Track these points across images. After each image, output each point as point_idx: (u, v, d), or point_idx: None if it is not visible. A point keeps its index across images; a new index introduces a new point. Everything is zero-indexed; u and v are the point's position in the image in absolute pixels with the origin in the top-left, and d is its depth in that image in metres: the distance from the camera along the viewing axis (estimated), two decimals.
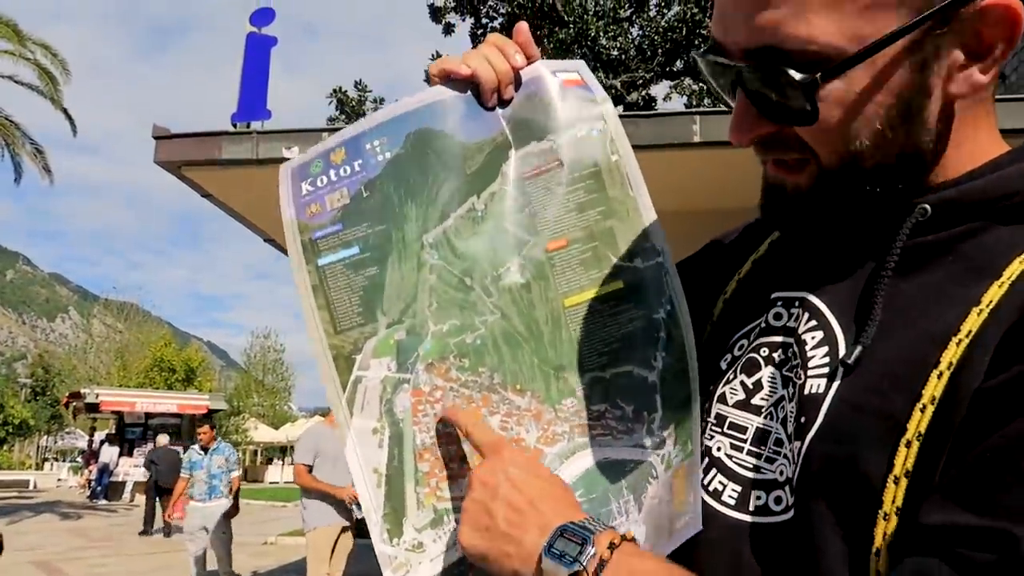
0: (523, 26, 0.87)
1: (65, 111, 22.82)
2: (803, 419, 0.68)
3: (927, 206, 0.68)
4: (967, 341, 0.61)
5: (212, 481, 7.89)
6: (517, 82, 0.86)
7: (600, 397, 0.83)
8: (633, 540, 0.67)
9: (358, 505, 6.43)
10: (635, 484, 0.82)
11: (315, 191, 0.83)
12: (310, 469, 6.29)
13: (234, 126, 5.98)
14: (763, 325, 0.79)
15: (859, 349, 0.66)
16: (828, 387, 0.67)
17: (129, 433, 23.26)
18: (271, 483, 35.97)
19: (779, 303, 0.79)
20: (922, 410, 0.60)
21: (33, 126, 23.35)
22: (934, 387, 0.60)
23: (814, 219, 0.73)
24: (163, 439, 17.80)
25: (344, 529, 6.41)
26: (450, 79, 0.85)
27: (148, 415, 23.53)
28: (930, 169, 0.69)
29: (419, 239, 0.82)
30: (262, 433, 40.45)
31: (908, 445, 0.60)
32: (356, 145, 0.83)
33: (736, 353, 0.82)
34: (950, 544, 0.53)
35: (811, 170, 0.70)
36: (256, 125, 5.98)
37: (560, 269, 0.84)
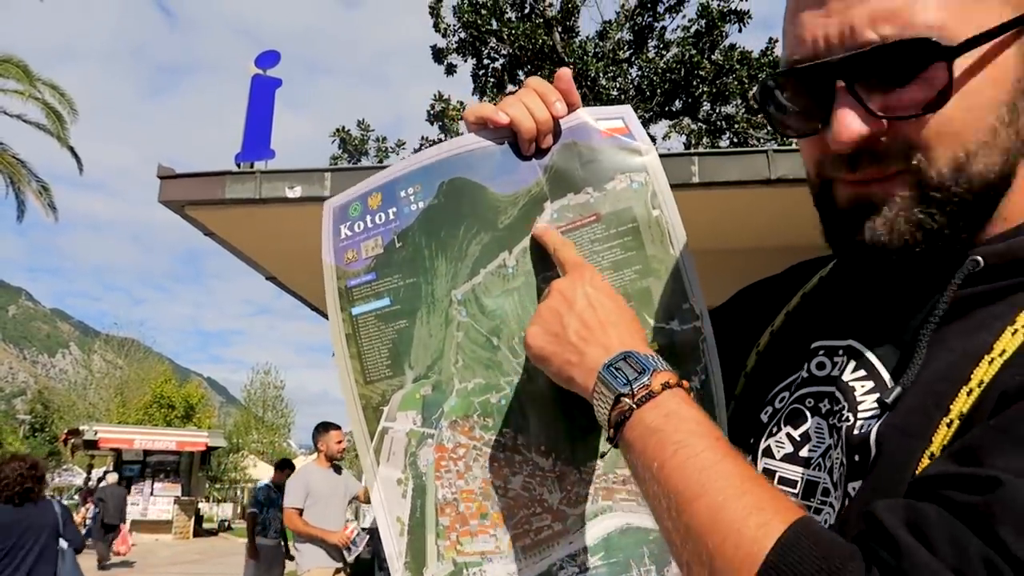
0: (565, 72, 0.84)
1: (72, 149, 23.06)
2: (856, 457, 0.67)
3: (980, 259, 0.66)
4: (1000, 360, 0.61)
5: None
6: (556, 130, 0.83)
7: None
8: (690, 390, 0.69)
9: (348, 549, 6.33)
10: (658, 555, 0.80)
11: (352, 236, 0.84)
12: (301, 512, 6.18)
13: (238, 165, 6.04)
14: (805, 375, 0.78)
15: (898, 390, 0.65)
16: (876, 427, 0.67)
17: (127, 470, 23.04)
18: None
19: (821, 352, 0.77)
20: (948, 425, 0.60)
21: (38, 163, 23.60)
22: (962, 403, 0.60)
23: (906, 250, 0.66)
24: (112, 477, 17.91)
25: (337, 571, 6.30)
26: (486, 127, 0.83)
27: (147, 452, 23.33)
28: (996, 212, 0.68)
29: (448, 295, 0.82)
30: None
31: (931, 458, 0.60)
32: (391, 191, 0.83)
33: (777, 405, 0.80)
34: (940, 488, 0.54)
35: (909, 180, 0.65)
36: (259, 165, 6.02)
37: None
